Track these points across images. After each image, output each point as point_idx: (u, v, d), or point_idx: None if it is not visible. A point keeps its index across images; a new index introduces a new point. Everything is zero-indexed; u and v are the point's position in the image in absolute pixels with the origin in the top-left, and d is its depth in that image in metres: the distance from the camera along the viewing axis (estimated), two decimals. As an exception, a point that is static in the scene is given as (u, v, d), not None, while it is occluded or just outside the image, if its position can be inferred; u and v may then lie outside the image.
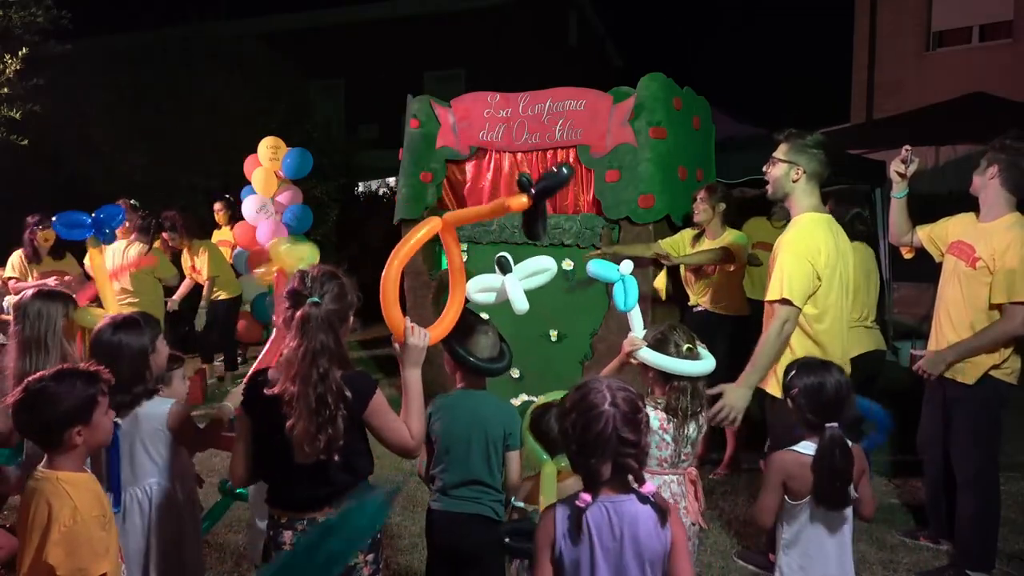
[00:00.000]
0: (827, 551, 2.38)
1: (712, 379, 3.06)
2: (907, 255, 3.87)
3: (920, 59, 12.72)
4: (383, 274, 2.24)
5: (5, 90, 7.76)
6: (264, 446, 2.16)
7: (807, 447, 2.38)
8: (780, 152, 3.13)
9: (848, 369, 3.04)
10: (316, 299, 2.05)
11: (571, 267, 5.19)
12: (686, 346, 2.62)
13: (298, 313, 2.04)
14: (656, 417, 2.57)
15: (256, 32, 14.58)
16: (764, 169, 3.22)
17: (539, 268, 2.71)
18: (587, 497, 1.80)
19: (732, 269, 4.82)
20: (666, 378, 2.63)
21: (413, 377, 2.23)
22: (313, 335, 2.02)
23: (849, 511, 2.41)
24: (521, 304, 2.63)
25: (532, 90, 5.49)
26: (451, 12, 17.71)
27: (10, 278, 5.94)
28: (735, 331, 4.86)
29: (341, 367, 2.08)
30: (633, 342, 2.71)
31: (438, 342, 2.42)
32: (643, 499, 1.82)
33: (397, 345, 2.27)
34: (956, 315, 3.43)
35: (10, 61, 7.62)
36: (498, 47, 17.22)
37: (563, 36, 20.08)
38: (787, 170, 3.10)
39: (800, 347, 3.05)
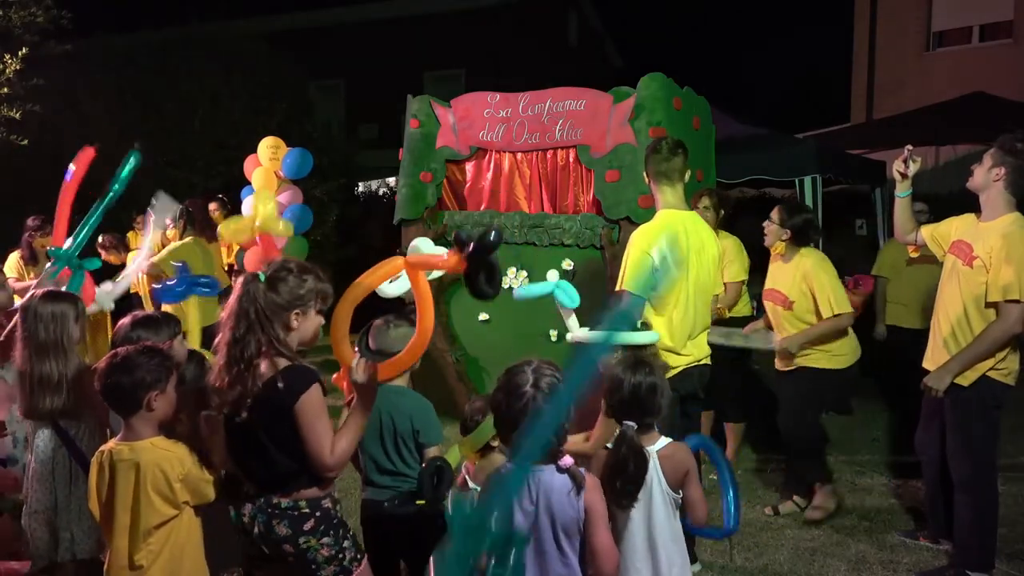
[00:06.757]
0: (635, 545, 2.33)
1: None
2: (913, 253, 3.89)
3: (920, 59, 12.72)
4: (336, 309, 2.31)
5: (5, 90, 7.77)
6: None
7: None
8: None
9: (685, 359, 3.28)
10: (260, 275, 2.21)
11: (571, 267, 5.19)
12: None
13: (237, 281, 2.24)
14: None
15: (256, 32, 14.56)
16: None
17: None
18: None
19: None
20: None
21: (360, 407, 2.25)
22: (236, 302, 2.19)
23: (662, 512, 2.32)
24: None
25: (532, 90, 5.49)
26: (451, 12, 17.70)
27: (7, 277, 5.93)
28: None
29: (276, 351, 2.19)
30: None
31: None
32: (560, 470, 2.03)
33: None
34: (955, 314, 3.42)
35: (10, 61, 7.62)
36: (498, 47, 17.22)
37: (563, 36, 20.10)
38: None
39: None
